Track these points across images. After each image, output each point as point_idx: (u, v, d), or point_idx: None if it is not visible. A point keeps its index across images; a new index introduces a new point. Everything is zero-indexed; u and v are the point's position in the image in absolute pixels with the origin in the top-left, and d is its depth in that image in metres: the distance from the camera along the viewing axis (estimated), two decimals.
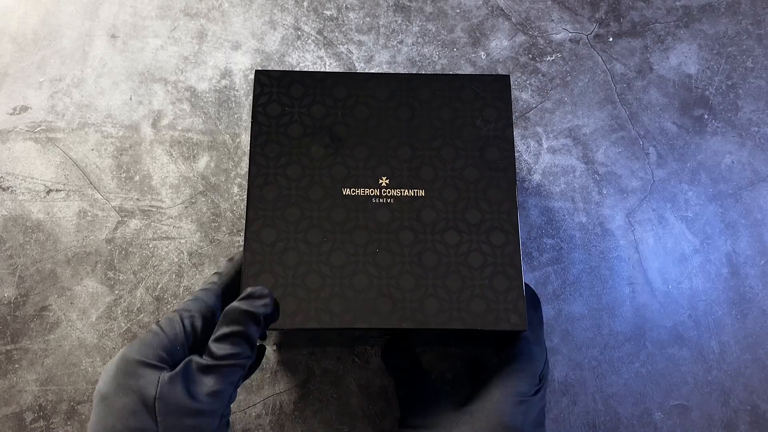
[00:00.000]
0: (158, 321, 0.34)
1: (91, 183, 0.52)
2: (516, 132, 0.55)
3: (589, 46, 0.58)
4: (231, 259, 0.39)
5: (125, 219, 0.51)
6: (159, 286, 0.50)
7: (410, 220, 0.39)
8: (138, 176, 0.52)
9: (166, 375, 0.30)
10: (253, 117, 0.41)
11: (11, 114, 0.54)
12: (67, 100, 0.55)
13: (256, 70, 0.42)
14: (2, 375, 0.47)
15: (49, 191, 0.52)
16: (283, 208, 0.39)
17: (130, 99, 0.55)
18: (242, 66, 0.56)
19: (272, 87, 0.41)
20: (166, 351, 0.32)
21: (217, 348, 0.32)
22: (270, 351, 0.48)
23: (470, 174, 0.40)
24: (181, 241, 0.51)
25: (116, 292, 0.49)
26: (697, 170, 0.55)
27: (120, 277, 0.50)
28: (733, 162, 0.55)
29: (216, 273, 0.38)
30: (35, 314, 0.49)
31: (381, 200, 0.39)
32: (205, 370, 0.31)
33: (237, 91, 0.55)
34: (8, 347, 0.48)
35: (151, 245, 0.51)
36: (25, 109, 0.54)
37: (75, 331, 0.49)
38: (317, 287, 0.37)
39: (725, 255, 0.52)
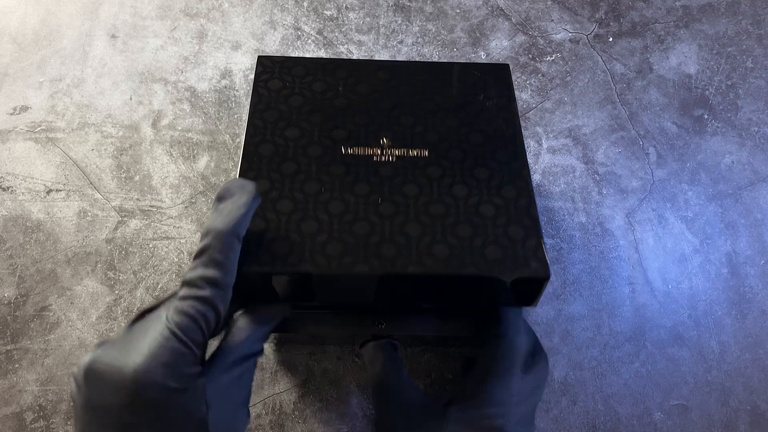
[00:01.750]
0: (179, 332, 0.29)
1: (91, 183, 0.52)
2: None
3: (589, 46, 0.58)
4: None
5: (125, 219, 0.51)
6: (159, 286, 0.50)
7: (415, 175, 0.36)
8: (138, 176, 0.53)
9: (205, 387, 0.29)
10: (253, 91, 0.39)
11: (11, 114, 0.54)
12: (67, 100, 0.55)
13: (258, 56, 0.41)
14: (2, 375, 0.47)
15: (49, 191, 0.52)
16: (278, 163, 0.36)
17: (130, 99, 0.55)
18: (242, 66, 0.56)
19: (274, 68, 0.41)
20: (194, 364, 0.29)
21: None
22: (270, 351, 0.48)
23: (476, 138, 0.38)
24: (181, 241, 0.51)
25: (116, 292, 0.50)
26: (697, 170, 0.55)
27: (120, 277, 0.50)
28: (733, 162, 0.55)
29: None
30: (35, 314, 0.49)
31: (383, 158, 0.37)
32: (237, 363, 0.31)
33: (237, 91, 0.55)
34: (8, 347, 0.48)
35: (151, 245, 0.51)
36: (25, 109, 0.54)
37: (75, 331, 0.49)
38: (313, 232, 0.34)
39: (725, 255, 0.52)
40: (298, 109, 0.39)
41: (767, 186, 0.54)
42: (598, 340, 0.50)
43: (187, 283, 0.29)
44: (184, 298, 0.29)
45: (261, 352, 0.34)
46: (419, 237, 0.34)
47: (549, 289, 0.51)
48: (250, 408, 0.48)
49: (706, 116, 0.56)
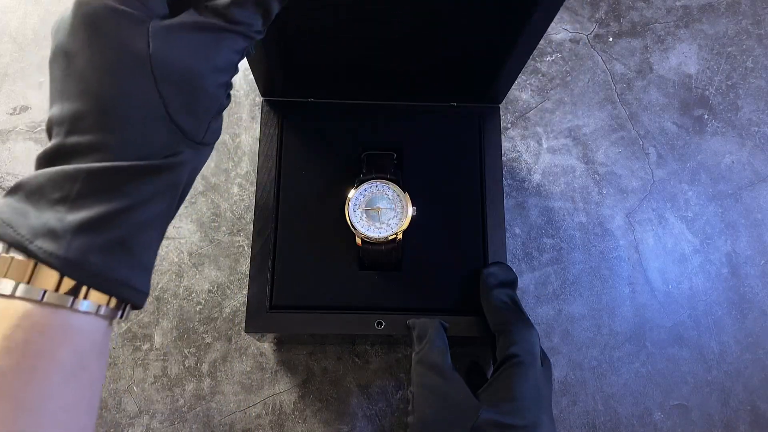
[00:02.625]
0: None
1: None
2: (516, 132, 0.55)
3: (589, 46, 0.58)
4: None
5: None
6: (159, 286, 0.50)
7: None
8: None
9: (157, 23, 0.23)
10: None
11: (11, 114, 0.54)
12: None
13: None
14: None
15: None
16: None
17: None
18: (242, 66, 0.56)
19: None
20: None
21: (235, 10, 0.25)
22: (270, 351, 0.48)
23: None
24: (181, 241, 0.51)
25: None
26: (697, 170, 0.55)
27: None
28: (733, 162, 0.55)
29: None
30: None
31: None
32: (211, 29, 0.24)
33: (237, 91, 0.55)
34: None
35: None
36: (25, 109, 0.54)
37: None
38: None
39: (725, 255, 0.52)
40: None
41: (767, 186, 0.54)
42: (598, 340, 0.50)
43: None
44: None
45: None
46: None
47: (549, 289, 0.51)
48: (249, 408, 0.48)
49: (706, 116, 0.56)
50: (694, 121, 0.56)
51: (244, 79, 0.56)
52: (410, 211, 0.43)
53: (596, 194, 0.53)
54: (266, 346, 0.49)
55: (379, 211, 0.43)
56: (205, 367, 0.48)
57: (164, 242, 0.51)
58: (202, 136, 0.26)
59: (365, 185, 0.44)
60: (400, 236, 0.42)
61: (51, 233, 0.22)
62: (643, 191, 0.54)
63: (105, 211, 0.23)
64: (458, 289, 0.43)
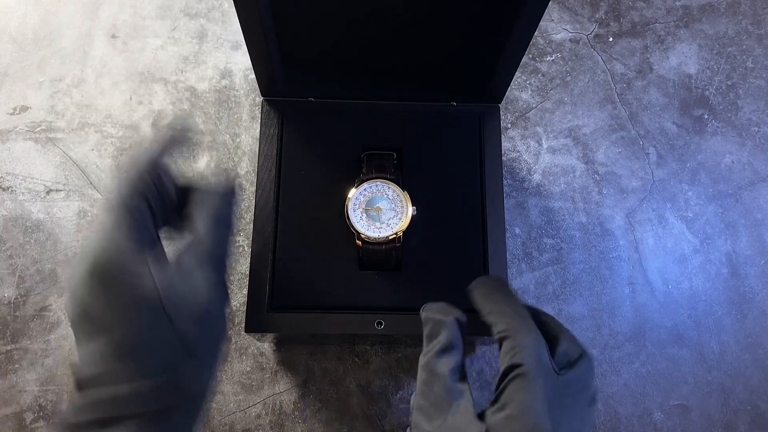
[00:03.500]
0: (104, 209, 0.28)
1: (91, 183, 0.52)
2: (516, 132, 0.55)
3: (589, 46, 0.58)
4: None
5: None
6: None
7: None
8: None
9: (151, 262, 0.26)
10: None
11: (11, 114, 0.54)
12: (67, 100, 0.55)
13: None
14: (2, 375, 0.47)
15: (49, 191, 0.52)
16: None
17: (130, 99, 0.55)
18: (242, 66, 0.56)
19: None
20: (134, 238, 0.27)
21: (203, 229, 0.29)
22: (270, 351, 0.48)
23: None
24: (181, 241, 0.51)
25: None
26: (697, 170, 0.55)
27: None
28: (733, 162, 0.55)
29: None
30: (35, 314, 0.49)
31: None
32: (201, 256, 0.28)
33: (237, 91, 0.55)
34: (8, 347, 0.48)
35: None
36: (25, 109, 0.54)
37: None
38: None
39: (725, 255, 0.52)
40: None
41: (767, 186, 0.54)
42: (599, 340, 0.50)
43: None
44: None
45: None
46: None
47: (549, 289, 0.51)
48: (249, 408, 0.48)
49: (706, 116, 0.56)
50: (694, 121, 0.56)
51: (244, 79, 0.56)
52: (410, 210, 0.43)
53: (596, 194, 0.53)
54: (266, 346, 0.49)
55: (379, 211, 0.43)
56: None
57: (164, 242, 0.51)
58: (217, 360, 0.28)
59: (365, 185, 0.43)
60: (400, 236, 0.42)
61: None
62: (643, 191, 0.54)
63: None
64: (458, 289, 0.43)
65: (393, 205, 0.43)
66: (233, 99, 0.55)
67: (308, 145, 0.46)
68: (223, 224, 0.30)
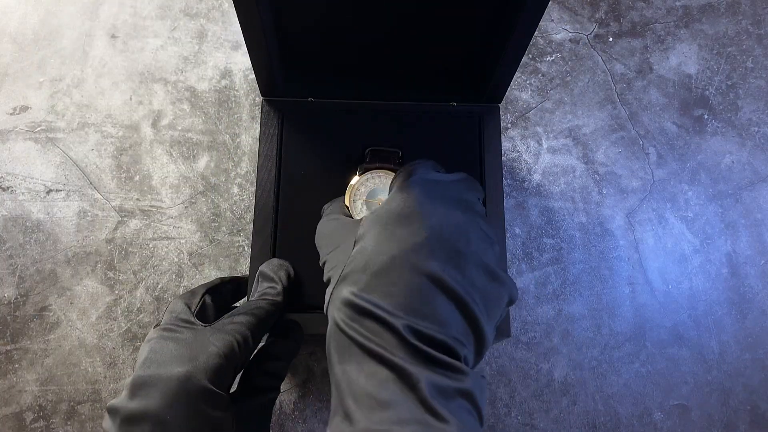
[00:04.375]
0: (218, 345, 0.32)
1: (91, 183, 0.52)
2: (516, 132, 0.55)
3: (589, 46, 0.58)
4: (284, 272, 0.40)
5: (125, 219, 0.51)
6: (159, 286, 0.50)
7: None
8: (138, 176, 0.53)
9: (232, 410, 0.31)
10: None
11: (11, 114, 0.54)
12: (67, 100, 0.55)
13: None
14: (2, 375, 0.47)
15: (49, 191, 0.52)
16: None
17: (130, 99, 0.55)
18: (242, 66, 0.56)
19: None
20: (226, 376, 0.31)
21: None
22: None
23: None
24: (181, 241, 0.51)
25: (116, 292, 0.49)
26: (697, 170, 0.55)
27: (120, 277, 0.50)
28: (733, 162, 0.55)
29: (271, 282, 0.39)
30: (35, 314, 0.49)
31: None
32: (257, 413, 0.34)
33: (237, 91, 0.55)
34: (8, 347, 0.48)
35: (151, 245, 0.51)
36: (25, 109, 0.54)
37: (75, 331, 0.49)
38: None
39: (725, 255, 0.52)
40: None
41: (767, 186, 0.54)
42: (599, 340, 0.50)
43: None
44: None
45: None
46: None
47: (549, 289, 0.51)
48: None
49: (706, 116, 0.56)
50: (694, 121, 0.56)
51: (244, 79, 0.56)
52: None
53: (596, 194, 0.53)
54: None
55: (380, 203, 0.42)
56: None
57: (164, 242, 0.51)
58: None
59: (368, 175, 0.42)
60: None
61: None
62: (643, 191, 0.54)
63: None
64: None
65: None
66: (233, 99, 0.55)
67: (308, 145, 0.46)
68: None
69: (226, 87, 0.55)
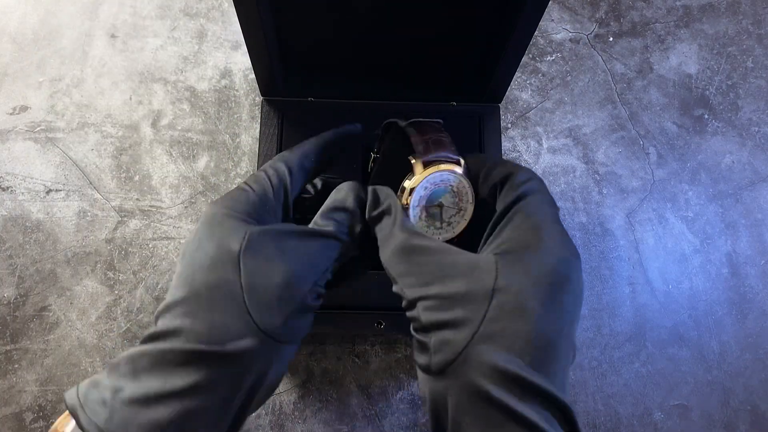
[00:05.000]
0: (246, 181, 0.31)
1: (90, 183, 0.52)
2: (516, 132, 0.55)
3: (589, 45, 0.58)
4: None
5: (125, 219, 0.51)
6: (159, 286, 0.50)
7: None
8: (138, 176, 0.52)
9: (255, 228, 0.27)
10: None
11: (11, 114, 0.54)
12: (66, 100, 0.55)
13: None
14: (2, 375, 0.47)
15: (48, 191, 0.52)
16: None
17: (130, 99, 0.55)
18: (242, 66, 0.56)
19: None
20: (255, 209, 0.29)
21: (320, 220, 0.30)
22: None
23: None
24: (181, 241, 0.51)
25: (116, 292, 0.49)
26: (698, 170, 0.54)
27: (120, 277, 0.50)
28: (733, 162, 0.55)
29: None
30: (35, 314, 0.49)
31: None
32: (302, 234, 0.28)
33: (237, 91, 0.55)
34: (8, 347, 0.48)
35: (150, 245, 0.51)
36: (24, 109, 0.54)
37: (75, 331, 0.49)
38: None
39: (725, 255, 0.52)
40: None
41: (767, 186, 0.54)
42: (599, 340, 0.50)
43: None
44: None
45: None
46: None
47: None
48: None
49: (706, 116, 0.56)
50: (694, 121, 0.56)
51: (244, 79, 0.56)
52: (472, 202, 0.33)
53: (596, 194, 0.53)
54: None
55: (441, 209, 0.33)
56: None
57: (164, 242, 0.51)
58: (280, 332, 0.27)
59: (432, 174, 0.32)
60: (456, 240, 0.34)
61: (102, 403, 0.23)
62: (644, 191, 0.54)
63: (156, 389, 0.24)
64: None
65: (456, 199, 0.33)
66: (233, 99, 0.55)
67: None
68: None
69: (225, 87, 0.55)
